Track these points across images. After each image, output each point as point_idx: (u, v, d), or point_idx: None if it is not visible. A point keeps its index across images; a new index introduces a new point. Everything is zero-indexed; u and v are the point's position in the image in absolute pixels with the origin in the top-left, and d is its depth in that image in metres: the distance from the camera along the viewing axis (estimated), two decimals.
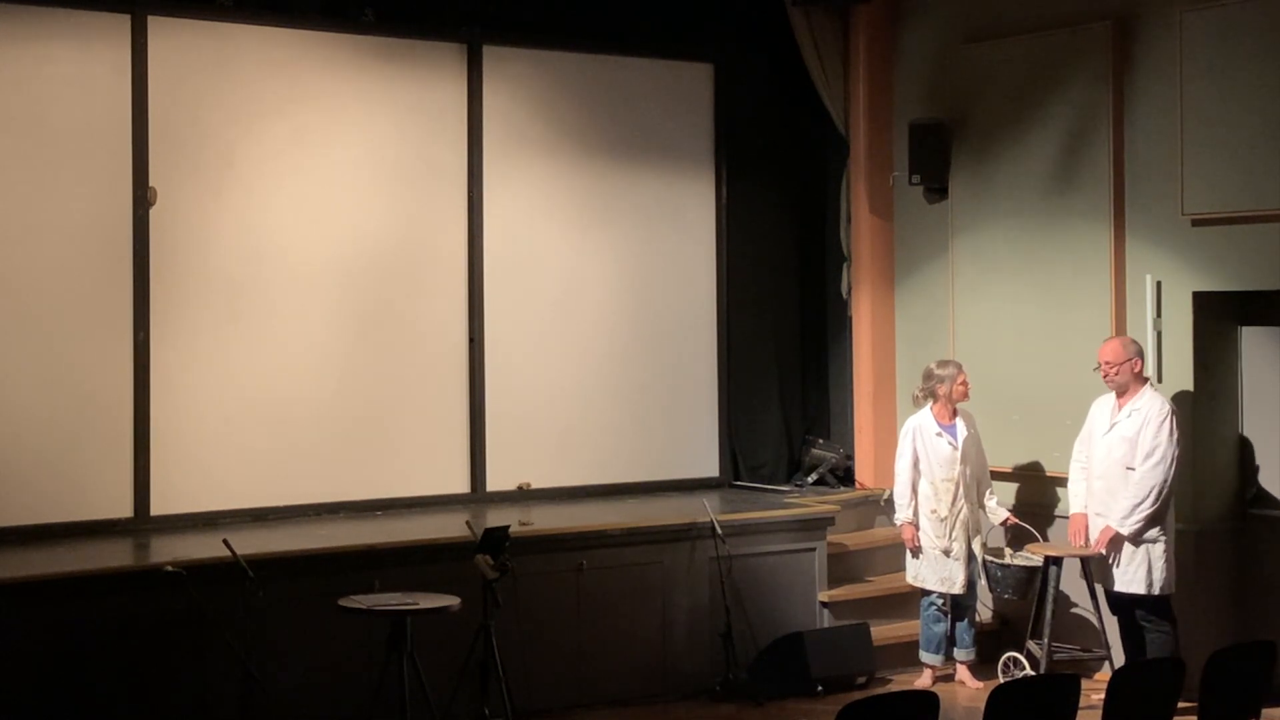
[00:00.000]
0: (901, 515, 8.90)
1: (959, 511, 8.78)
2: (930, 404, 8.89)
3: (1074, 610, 8.86)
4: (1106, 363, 8.24)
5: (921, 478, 8.86)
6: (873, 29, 10.07)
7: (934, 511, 8.80)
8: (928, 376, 8.91)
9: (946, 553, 8.77)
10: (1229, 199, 8.28)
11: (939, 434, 8.82)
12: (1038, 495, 9.20)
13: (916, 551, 8.84)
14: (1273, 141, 8.07)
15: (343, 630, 7.50)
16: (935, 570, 8.79)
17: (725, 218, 10.26)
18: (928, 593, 8.85)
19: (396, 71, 9.25)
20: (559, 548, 8.38)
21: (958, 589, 8.78)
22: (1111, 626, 8.41)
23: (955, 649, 8.88)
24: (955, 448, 8.80)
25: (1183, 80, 8.42)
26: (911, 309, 10.06)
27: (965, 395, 8.87)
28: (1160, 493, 8.05)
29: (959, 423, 8.86)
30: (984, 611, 9.19)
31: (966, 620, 8.87)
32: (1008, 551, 8.79)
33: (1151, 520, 8.08)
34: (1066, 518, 8.56)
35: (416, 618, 7.09)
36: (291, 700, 7.46)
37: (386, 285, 9.20)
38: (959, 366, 8.90)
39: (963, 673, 8.88)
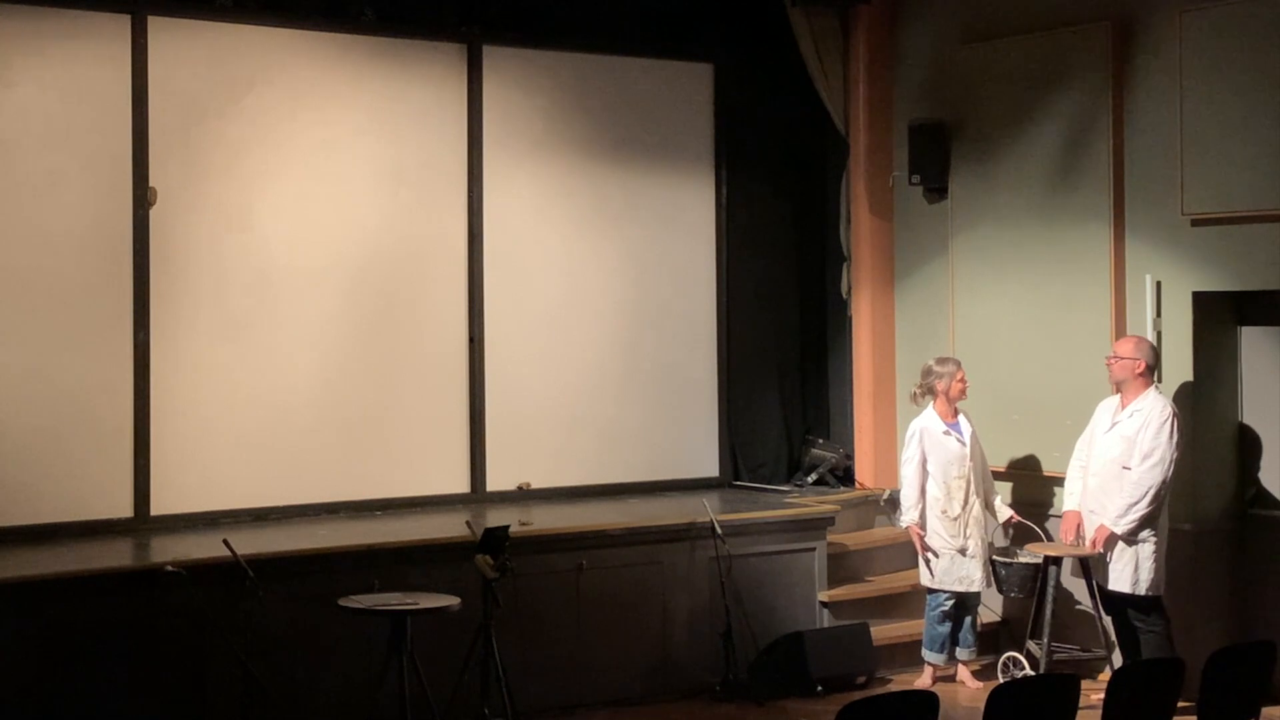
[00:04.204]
0: (908, 518, 8.85)
1: (971, 510, 8.77)
2: (932, 403, 8.88)
3: (1074, 610, 8.86)
4: (1114, 353, 8.26)
5: (930, 479, 8.83)
6: (873, 29, 10.08)
7: (945, 512, 8.77)
8: (926, 373, 8.92)
9: (963, 551, 8.74)
10: (1229, 199, 8.28)
11: (946, 432, 8.82)
12: (1036, 495, 9.19)
13: (928, 553, 8.79)
14: (1273, 141, 8.07)
15: (343, 630, 7.50)
16: (953, 571, 8.76)
17: (725, 218, 10.26)
18: (935, 592, 8.84)
19: (396, 71, 9.25)
20: (559, 548, 8.38)
21: (976, 587, 8.78)
22: (1111, 626, 8.42)
23: (958, 648, 8.87)
24: (964, 445, 8.79)
25: (1183, 80, 8.42)
26: (911, 309, 10.06)
27: (963, 394, 8.86)
28: (1156, 494, 8.05)
29: (962, 420, 8.86)
30: (986, 613, 9.16)
31: (971, 619, 8.87)
32: (1017, 550, 8.79)
33: (1146, 521, 8.08)
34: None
35: (416, 618, 7.10)
36: (291, 700, 7.46)
37: (386, 285, 9.21)
38: (958, 364, 8.90)
39: (963, 673, 8.88)
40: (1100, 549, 8.20)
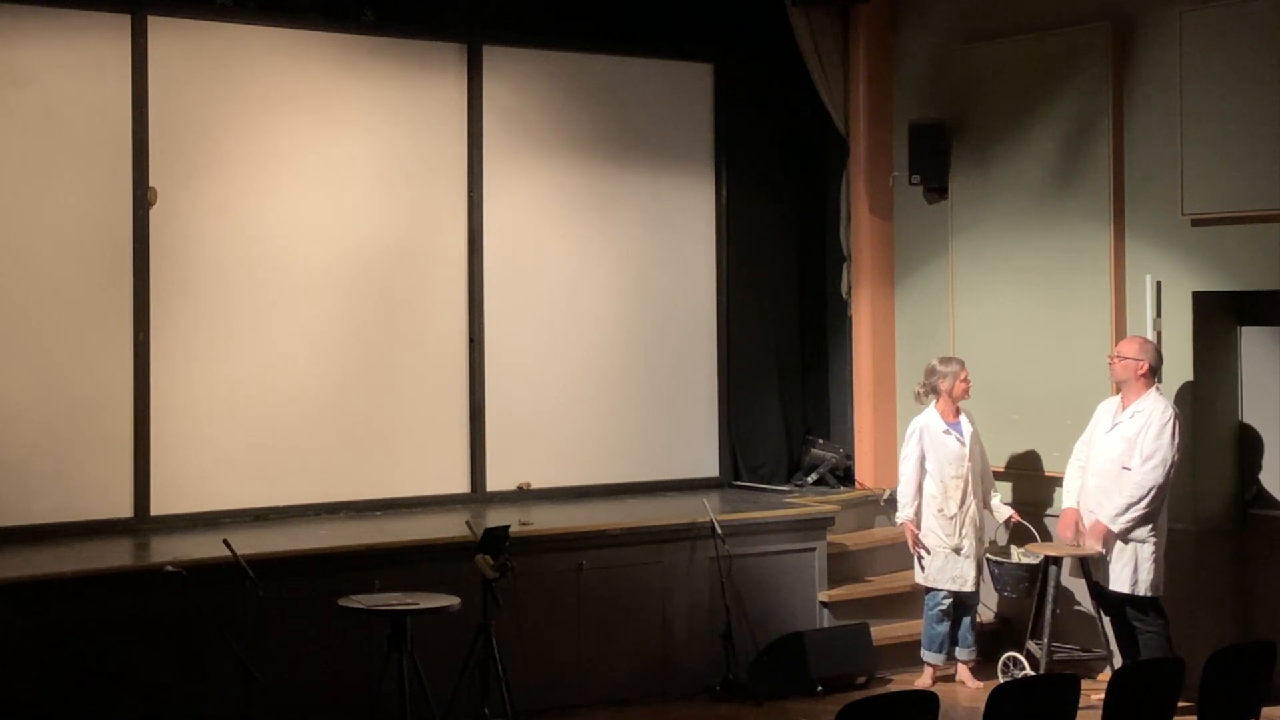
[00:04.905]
0: (903, 514, 8.88)
1: (968, 509, 8.78)
2: (934, 402, 8.89)
3: (1074, 610, 8.86)
4: (1117, 353, 8.26)
5: (928, 477, 8.84)
6: (873, 29, 10.08)
7: (941, 510, 8.79)
8: (930, 373, 8.92)
9: (957, 550, 8.76)
10: (1229, 199, 8.28)
11: (946, 432, 8.82)
12: (1037, 495, 9.19)
13: (919, 549, 8.83)
14: (1273, 141, 8.07)
15: (343, 630, 7.51)
16: (946, 569, 8.78)
17: (725, 218, 10.26)
18: (932, 591, 8.84)
19: (396, 71, 9.25)
20: (559, 548, 8.38)
21: (969, 587, 8.79)
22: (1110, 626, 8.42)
23: (957, 648, 8.87)
24: (963, 444, 8.80)
25: (1183, 80, 8.42)
26: (911, 309, 10.06)
27: (966, 393, 8.87)
28: (1156, 495, 8.04)
29: (964, 420, 8.87)
30: (984, 612, 9.16)
31: (969, 620, 8.87)
32: (1015, 550, 8.79)
33: (1142, 521, 8.08)
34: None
35: (416, 618, 7.09)
36: (291, 700, 7.46)
37: (386, 285, 9.21)
38: (961, 364, 8.91)
39: (963, 672, 8.88)
40: (1091, 542, 8.18)
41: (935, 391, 8.88)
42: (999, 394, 9.27)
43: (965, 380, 8.86)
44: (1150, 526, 8.10)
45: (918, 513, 8.85)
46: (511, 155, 9.57)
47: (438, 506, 9.20)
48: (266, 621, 7.31)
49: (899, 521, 8.96)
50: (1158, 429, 8.05)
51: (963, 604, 8.86)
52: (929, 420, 8.87)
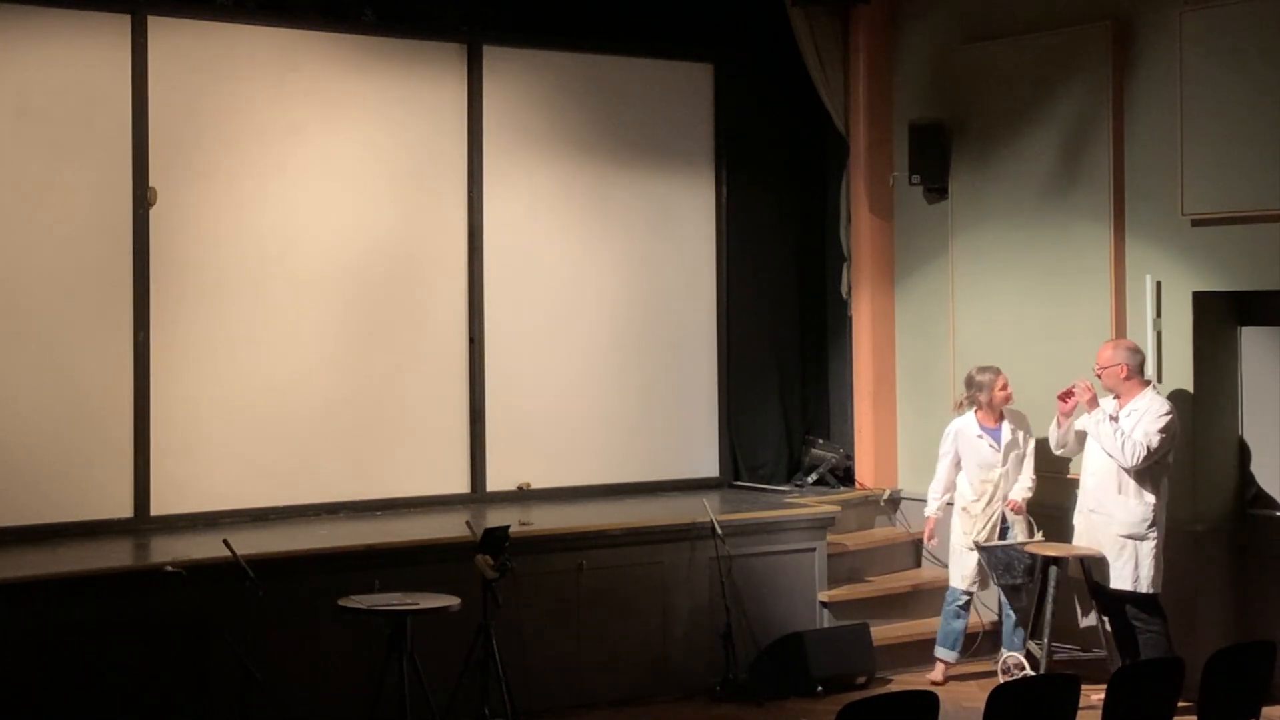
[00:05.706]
0: (928, 510, 9.03)
1: (992, 512, 8.80)
2: (973, 409, 8.90)
3: (1074, 610, 8.85)
4: (1098, 364, 8.28)
5: (962, 476, 8.92)
6: (873, 29, 10.08)
7: (965, 509, 8.85)
8: (969, 383, 8.94)
9: (971, 549, 8.80)
10: (1229, 199, 8.28)
11: (980, 436, 8.85)
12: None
13: (933, 543, 8.91)
14: (1273, 141, 8.07)
15: (343, 630, 7.50)
16: (959, 566, 8.83)
17: (725, 218, 10.26)
18: (952, 589, 8.89)
19: (396, 71, 9.25)
20: (559, 548, 8.38)
21: (974, 584, 8.85)
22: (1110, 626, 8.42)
23: (1004, 650, 8.80)
24: (997, 450, 8.82)
25: (1183, 80, 8.42)
26: (911, 309, 10.06)
27: (1008, 399, 8.87)
28: (1128, 452, 7.97)
29: (1004, 426, 8.86)
30: (985, 613, 9.13)
31: (1016, 619, 8.78)
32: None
33: (1101, 438, 8.08)
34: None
35: (416, 618, 7.09)
36: (291, 700, 7.46)
37: (386, 285, 9.21)
38: (997, 371, 8.89)
39: (1027, 665, 8.72)
40: (1079, 390, 8.20)
41: (975, 403, 8.89)
42: None
43: (1004, 389, 8.86)
44: (1150, 523, 8.09)
45: (941, 509, 8.99)
46: (511, 155, 9.57)
47: (438, 506, 9.20)
48: (266, 621, 7.30)
49: (925, 515, 9.09)
50: (1152, 418, 8.04)
51: (1009, 604, 8.81)
52: (964, 424, 8.93)
